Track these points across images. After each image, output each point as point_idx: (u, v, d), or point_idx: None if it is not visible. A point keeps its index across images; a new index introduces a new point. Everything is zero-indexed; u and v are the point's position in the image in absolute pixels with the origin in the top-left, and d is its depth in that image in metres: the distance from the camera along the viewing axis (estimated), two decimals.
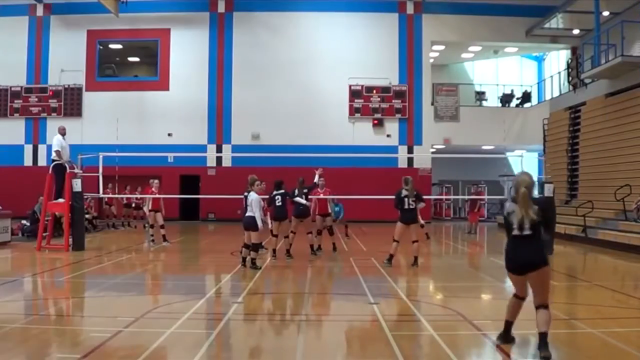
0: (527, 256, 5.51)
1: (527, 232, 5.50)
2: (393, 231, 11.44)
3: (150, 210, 15.61)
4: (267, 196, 12.27)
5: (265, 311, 7.94)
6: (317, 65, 26.70)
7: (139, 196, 21.36)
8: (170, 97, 26.73)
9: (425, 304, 8.32)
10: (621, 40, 18.23)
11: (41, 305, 8.22)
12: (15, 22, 26.71)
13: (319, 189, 13.54)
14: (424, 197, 12.34)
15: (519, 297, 5.78)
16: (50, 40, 26.94)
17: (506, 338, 5.85)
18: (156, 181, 15.67)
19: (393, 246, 11.45)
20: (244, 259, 11.20)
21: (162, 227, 15.54)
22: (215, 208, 25.69)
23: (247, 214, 11.09)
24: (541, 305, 5.49)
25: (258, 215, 10.90)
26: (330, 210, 14.10)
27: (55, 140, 14.37)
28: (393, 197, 11.53)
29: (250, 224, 11.01)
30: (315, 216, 13.71)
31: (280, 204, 12.25)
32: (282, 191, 12.31)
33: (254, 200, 11.02)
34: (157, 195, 15.58)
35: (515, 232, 5.56)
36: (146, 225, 21.17)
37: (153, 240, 15.49)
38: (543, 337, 5.38)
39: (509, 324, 5.82)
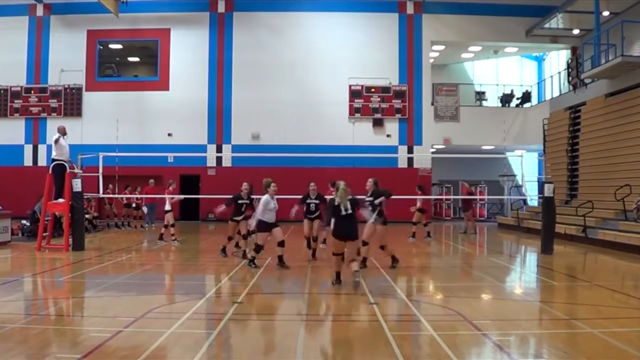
0: (350, 230, 9.03)
1: (348, 212, 8.98)
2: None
3: (168, 211, 16.06)
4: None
5: (265, 311, 7.93)
6: (317, 65, 26.72)
7: (139, 196, 21.46)
8: (170, 97, 26.72)
9: (425, 304, 8.31)
10: (621, 40, 18.22)
11: (41, 305, 8.21)
12: (15, 22, 26.72)
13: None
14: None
15: (339, 254, 9.13)
16: (50, 40, 26.95)
17: (339, 281, 9.19)
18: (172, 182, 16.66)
19: None
20: (223, 248, 12.84)
21: (173, 225, 16.11)
22: (215, 208, 25.62)
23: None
24: (353, 259, 9.20)
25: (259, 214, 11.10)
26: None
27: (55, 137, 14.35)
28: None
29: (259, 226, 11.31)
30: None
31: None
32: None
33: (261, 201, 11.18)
34: (163, 196, 16.21)
35: (343, 212, 8.95)
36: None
37: (162, 239, 16.17)
38: (356, 271, 8.99)
39: (339, 273, 9.23)
